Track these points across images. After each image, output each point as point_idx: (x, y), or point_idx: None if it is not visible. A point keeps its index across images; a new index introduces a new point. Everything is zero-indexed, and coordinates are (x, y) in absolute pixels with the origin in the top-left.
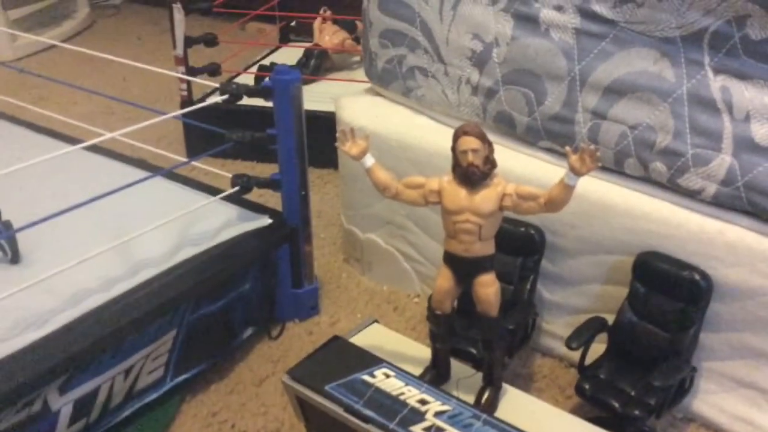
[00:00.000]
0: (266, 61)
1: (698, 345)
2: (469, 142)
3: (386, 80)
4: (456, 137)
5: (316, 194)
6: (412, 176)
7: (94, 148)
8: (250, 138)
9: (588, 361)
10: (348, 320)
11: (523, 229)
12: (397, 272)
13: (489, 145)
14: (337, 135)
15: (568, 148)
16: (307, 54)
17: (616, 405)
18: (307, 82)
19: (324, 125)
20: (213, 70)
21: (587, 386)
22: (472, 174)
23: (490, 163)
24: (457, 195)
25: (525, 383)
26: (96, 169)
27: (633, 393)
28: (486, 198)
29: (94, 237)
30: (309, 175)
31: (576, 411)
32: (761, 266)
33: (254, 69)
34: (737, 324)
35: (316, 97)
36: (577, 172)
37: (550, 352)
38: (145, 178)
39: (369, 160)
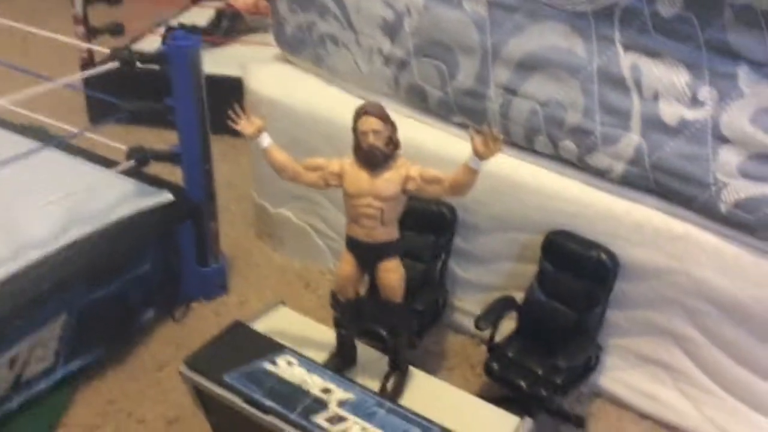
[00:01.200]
0: (175, 22)
1: (605, 322)
2: (371, 123)
3: (296, 47)
4: (356, 117)
5: (228, 164)
6: (312, 158)
7: None
8: (148, 108)
9: (499, 337)
10: (258, 299)
11: (434, 206)
12: (309, 248)
13: (392, 125)
14: (230, 113)
15: (471, 131)
16: (219, 14)
17: (523, 384)
18: (218, 44)
19: (236, 90)
20: (115, 30)
21: (495, 366)
22: (373, 156)
23: (393, 144)
24: (359, 178)
25: (436, 361)
26: None
27: (540, 372)
28: (388, 181)
29: None
30: (221, 143)
31: (486, 389)
32: (667, 246)
33: (162, 29)
34: (643, 302)
35: (228, 60)
36: (480, 156)
37: (461, 329)
38: (35, 150)
39: (265, 140)
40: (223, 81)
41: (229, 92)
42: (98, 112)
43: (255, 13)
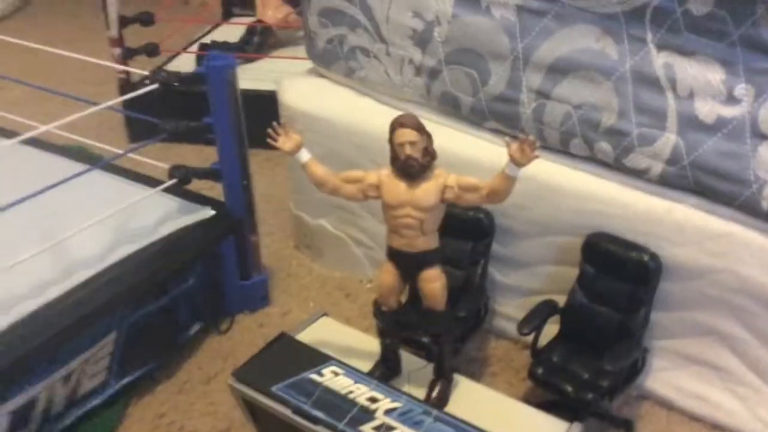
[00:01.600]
0: (207, 39)
1: (650, 324)
2: (406, 135)
3: (327, 60)
4: (392, 129)
5: (264, 178)
6: (349, 169)
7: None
8: (185, 128)
9: (542, 342)
10: (300, 309)
11: (472, 213)
12: (348, 258)
13: (427, 135)
14: (268, 131)
15: (507, 139)
16: (251, 30)
17: (569, 389)
18: (250, 60)
19: (270, 105)
20: (151, 51)
21: (540, 371)
22: (411, 167)
23: (429, 154)
24: (397, 189)
25: (480, 367)
26: (26, 162)
27: (586, 376)
28: (427, 191)
29: (25, 237)
30: (256, 157)
31: (531, 394)
32: (709, 245)
33: (195, 47)
34: (687, 303)
35: (261, 75)
36: (517, 163)
37: (504, 334)
38: (81, 173)
39: (304, 155)
40: (258, 96)
41: (264, 107)
42: (138, 132)
43: (285, 27)
